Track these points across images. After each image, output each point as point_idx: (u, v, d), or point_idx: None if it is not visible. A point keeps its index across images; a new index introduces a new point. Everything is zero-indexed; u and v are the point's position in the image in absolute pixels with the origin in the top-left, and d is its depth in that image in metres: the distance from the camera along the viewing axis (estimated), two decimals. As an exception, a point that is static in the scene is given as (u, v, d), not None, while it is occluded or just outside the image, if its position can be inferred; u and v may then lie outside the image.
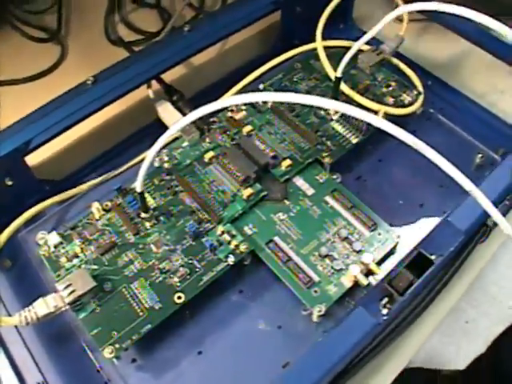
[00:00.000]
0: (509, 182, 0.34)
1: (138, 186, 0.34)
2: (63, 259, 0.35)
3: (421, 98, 0.43)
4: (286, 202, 0.37)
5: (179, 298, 0.33)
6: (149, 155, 0.31)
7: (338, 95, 0.40)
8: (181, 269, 0.34)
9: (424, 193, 0.40)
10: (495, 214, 0.27)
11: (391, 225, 0.37)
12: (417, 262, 0.32)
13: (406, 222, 0.38)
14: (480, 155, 0.41)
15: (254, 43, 0.49)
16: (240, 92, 0.43)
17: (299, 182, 0.38)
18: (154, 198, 0.37)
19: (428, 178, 0.40)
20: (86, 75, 0.38)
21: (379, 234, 0.36)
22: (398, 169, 0.42)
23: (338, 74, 0.39)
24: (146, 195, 0.37)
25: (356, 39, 0.38)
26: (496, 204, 0.32)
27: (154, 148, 0.31)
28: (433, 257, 0.31)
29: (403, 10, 0.33)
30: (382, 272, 0.34)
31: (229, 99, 0.27)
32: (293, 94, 0.26)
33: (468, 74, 0.49)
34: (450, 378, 0.42)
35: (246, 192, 0.37)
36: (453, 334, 0.37)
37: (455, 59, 0.40)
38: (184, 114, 0.41)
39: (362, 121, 0.40)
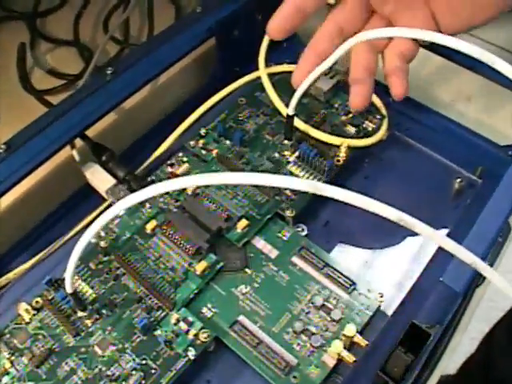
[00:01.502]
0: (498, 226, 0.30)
1: (67, 285, 0.29)
2: (-12, 381, 0.30)
3: (385, 123, 0.39)
4: (248, 271, 0.33)
5: (135, 413, 0.29)
6: (78, 247, 0.27)
7: (292, 134, 0.37)
8: (134, 373, 0.30)
9: (403, 234, 0.36)
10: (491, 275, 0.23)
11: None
12: (410, 334, 0.28)
13: (387, 273, 0.35)
14: (459, 180, 0.38)
15: (189, 76, 0.44)
16: (179, 139, 0.39)
17: (260, 243, 0.35)
18: (91, 288, 0.33)
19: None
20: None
21: (360, 295, 0.32)
22: (363, 211, 0.38)
23: (290, 111, 0.35)
24: (82, 285, 0.33)
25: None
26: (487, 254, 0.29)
27: (84, 239, 0.26)
28: (430, 329, 0.27)
29: (360, 39, 0.29)
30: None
31: (155, 187, 0.23)
32: (227, 174, 0.21)
33: (429, 84, 0.46)
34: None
35: (200, 266, 0.33)
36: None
37: (413, 68, 0.37)
38: (116, 177, 0.37)
39: (322, 160, 0.36)
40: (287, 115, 0.35)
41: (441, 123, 0.41)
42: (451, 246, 0.22)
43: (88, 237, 0.26)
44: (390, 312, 0.32)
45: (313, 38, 0.36)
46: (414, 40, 0.35)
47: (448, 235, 0.34)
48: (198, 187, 0.36)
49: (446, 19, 0.33)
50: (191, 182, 0.22)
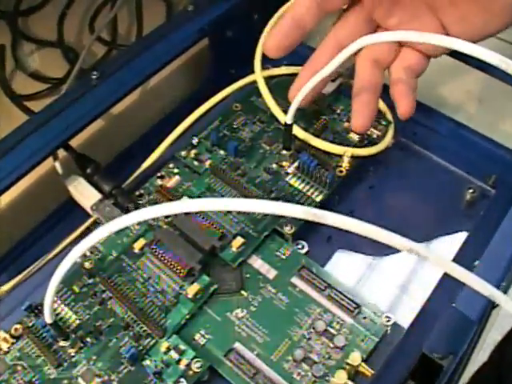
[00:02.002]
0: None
1: (46, 315, 0.27)
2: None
3: (391, 129, 0.37)
4: (244, 293, 0.32)
5: None
6: (57, 274, 0.25)
7: (290, 144, 0.34)
8: (120, 407, 0.28)
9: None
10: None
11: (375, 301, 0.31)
12: (421, 365, 0.26)
13: (394, 294, 0.33)
14: (471, 190, 0.36)
15: (180, 80, 0.43)
16: (169, 149, 0.37)
17: (257, 263, 0.33)
18: (75, 313, 0.31)
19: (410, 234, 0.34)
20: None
21: (364, 318, 0.30)
22: (374, 220, 0.36)
23: (288, 120, 0.32)
24: (65, 310, 0.31)
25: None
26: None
27: (64, 266, 0.24)
28: (442, 360, 0.25)
29: (361, 44, 0.27)
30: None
31: (139, 213, 0.21)
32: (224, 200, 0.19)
33: (436, 84, 0.44)
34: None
35: (192, 289, 0.31)
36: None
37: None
38: (101, 191, 0.35)
39: (324, 171, 0.34)
40: (285, 124, 0.33)
41: (450, 127, 0.39)
42: (469, 279, 0.20)
43: (67, 264, 0.24)
44: (398, 337, 0.30)
45: (312, 55, 0.33)
46: (423, 54, 0.33)
47: (459, 252, 0.33)
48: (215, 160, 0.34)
49: (456, 28, 0.31)
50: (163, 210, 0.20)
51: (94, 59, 0.45)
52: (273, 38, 0.32)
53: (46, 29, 0.47)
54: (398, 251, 0.33)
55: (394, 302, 0.32)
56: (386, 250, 0.34)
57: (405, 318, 0.31)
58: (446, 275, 0.31)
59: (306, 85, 0.29)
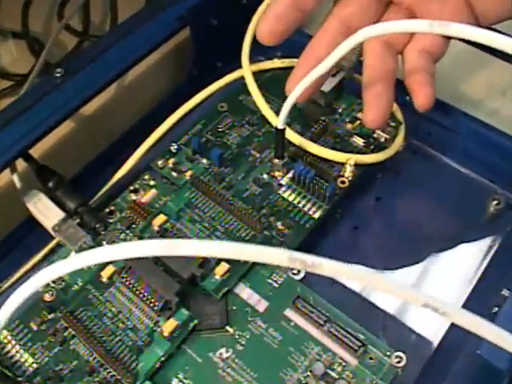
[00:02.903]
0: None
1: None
2: None
3: (402, 131, 0.33)
4: (229, 330, 0.28)
5: None
6: (7, 308, 0.21)
7: (283, 152, 0.31)
8: None
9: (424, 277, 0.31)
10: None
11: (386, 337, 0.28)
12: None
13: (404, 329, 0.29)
14: (495, 202, 0.33)
15: (159, 76, 0.40)
16: (144, 158, 0.34)
17: (244, 292, 0.30)
18: (32, 355, 0.28)
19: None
20: None
21: (371, 359, 0.27)
22: (381, 235, 0.33)
23: (280, 124, 0.29)
24: (21, 352, 0.28)
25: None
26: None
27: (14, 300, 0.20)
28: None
29: (366, 34, 0.23)
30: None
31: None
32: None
33: (454, 77, 0.40)
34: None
35: (168, 325, 0.28)
36: None
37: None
38: (65, 209, 0.32)
39: (323, 182, 0.31)
40: (276, 129, 0.29)
41: (469, 126, 0.36)
42: (499, 339, 0.16)
43: (19, 297, 0.20)
44: (410, 381, 0.27)
45: (312, 39, 0.29)
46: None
47: (482, 278, 0.30)
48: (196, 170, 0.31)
49: (485, 3, 0.27)
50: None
51: (63, 52, 0.42)
52: (266, 21, 0.28)
53: (8, 18, 0.45)
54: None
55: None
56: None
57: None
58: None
59: (299, 85, 0.26)
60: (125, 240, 0.31)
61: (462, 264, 0.31)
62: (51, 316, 0.29)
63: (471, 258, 0.31)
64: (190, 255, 0.16)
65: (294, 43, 0.31)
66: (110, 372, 0.27)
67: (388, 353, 0.27)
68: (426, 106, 0.28)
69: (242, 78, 0.35)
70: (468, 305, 0.29)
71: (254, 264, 0.30)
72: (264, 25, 0.28)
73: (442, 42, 0.29)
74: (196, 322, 0.28)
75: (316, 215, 0.31)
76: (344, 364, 0.27)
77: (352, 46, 0.24)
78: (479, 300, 0.29)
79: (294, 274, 0.30)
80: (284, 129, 0.30)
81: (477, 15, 0.28)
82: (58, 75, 0.34)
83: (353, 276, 0.15)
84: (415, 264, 0.31)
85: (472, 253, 0.31)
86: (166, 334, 0.28)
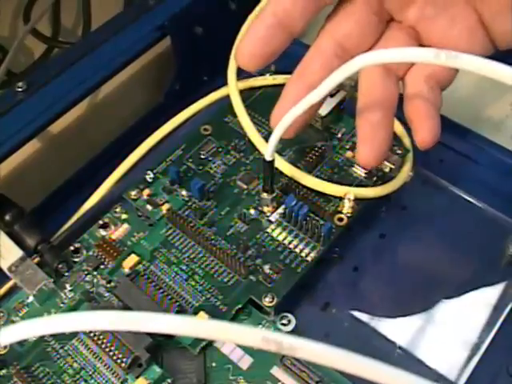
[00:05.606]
0: None
1: None
2: None
3: (410, 159, 0.33)
4: None
5: None
6: None
7: (272, 185, 0.31)
8: None
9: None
10: None
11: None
12: None
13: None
14: (514, 245, 0.32)
15: (135, 92, 0.40)
16: (116, 188, 0.34)
17: (225, 346, 0.29)
18: None
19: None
20: None
21: (370, 427, 0.26)
22: (383, 277, 0.33)
23: (268, 156, 0.29)
24: None
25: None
26: None
27: None
28: None
29: (363, 63, 0.22)
30: None
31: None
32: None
33: (470, 96, 0.40)
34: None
35: None
36: None
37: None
38: (23, 246, 0.31)
39: (318, 220, 0.31)
40: (263, 160, 0.29)
41: (488, 153, 0.36)
42: None
43: None
44: None
45: (303, 58, 0.28)
46: None
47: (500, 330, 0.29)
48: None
49: (500, 24, 0.26)
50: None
51: (28, 60, 0.43)
52: (247, 42, 0.27)
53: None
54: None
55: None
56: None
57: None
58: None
59: (288, 114, 0.25)
60: (91, 283, 0.31)
61: (475, 315, 0.31)
62: (2, 372, 0.29)
63: (485, 308, 0.31)
64: (145, 331, 0.15)
65: (290, 56, 0.31)
66: None
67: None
68: (426, 143, 0.27)
69: (229, 96, 0.35)
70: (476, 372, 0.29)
71: (238, 313, 0.29)
72: (243, 46, 0.27)
73: (451, 68, 0.28)
74: (170, 380, 0.28)
75: (309, 258, 0.30)
76: (339, 432, 0.27)
77: (346, 75, 0.23)
78: (491, 363, 0.28)
79: (283, 324, 0.30)
80: (273, 160, 0.29)
81: (493, 38, 0.27)
82: (20, 89, 0.34)
83: (339, 364, 0.15)
84: (420, 312, 0.31)
85: (487, 302, 0.31)
86: (134, 395, 0.28)
